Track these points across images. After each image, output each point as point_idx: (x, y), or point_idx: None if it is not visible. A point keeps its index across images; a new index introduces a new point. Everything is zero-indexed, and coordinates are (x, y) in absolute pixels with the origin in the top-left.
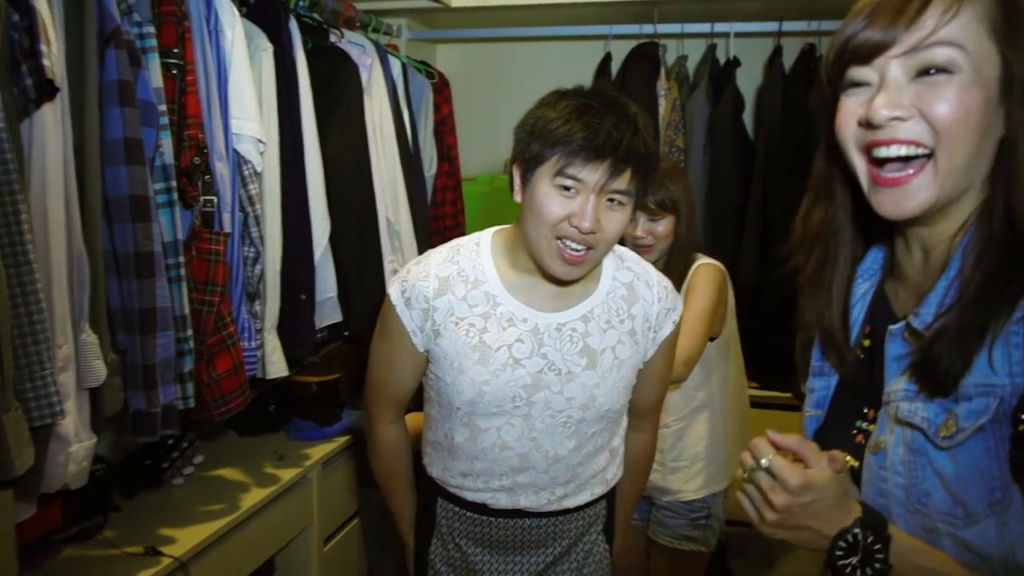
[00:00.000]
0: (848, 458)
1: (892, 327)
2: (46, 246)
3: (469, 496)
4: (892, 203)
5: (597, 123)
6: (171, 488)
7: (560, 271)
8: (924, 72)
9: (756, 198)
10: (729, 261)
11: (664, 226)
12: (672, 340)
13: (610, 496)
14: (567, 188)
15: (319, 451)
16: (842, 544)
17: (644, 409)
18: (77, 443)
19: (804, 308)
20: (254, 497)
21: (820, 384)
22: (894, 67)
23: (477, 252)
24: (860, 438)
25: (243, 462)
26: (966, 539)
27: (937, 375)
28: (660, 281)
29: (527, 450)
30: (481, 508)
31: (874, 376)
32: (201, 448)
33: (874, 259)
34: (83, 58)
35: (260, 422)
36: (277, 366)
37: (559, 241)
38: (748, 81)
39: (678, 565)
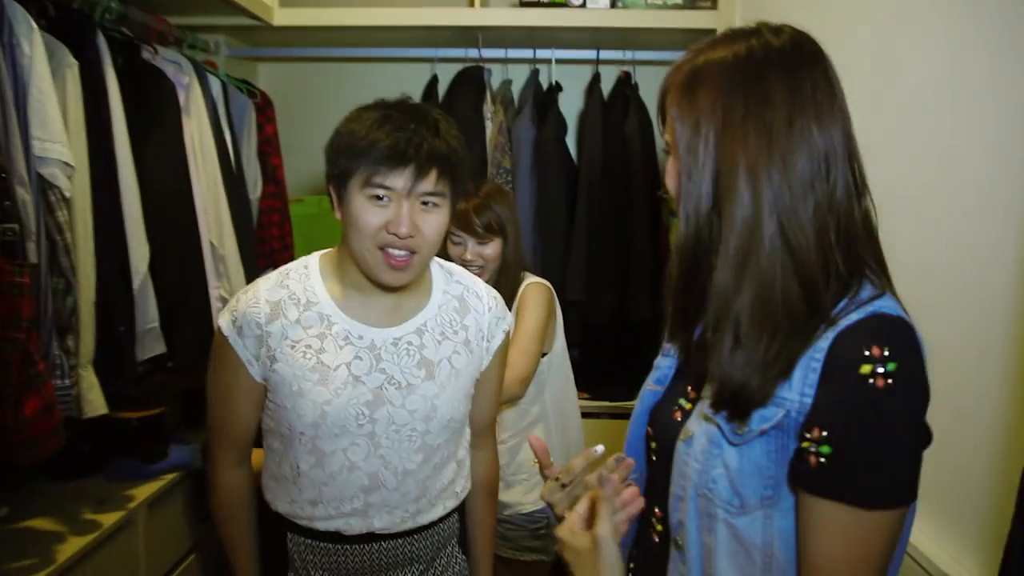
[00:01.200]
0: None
1: (697, 327)
2: None
3: (321, 526)
4: None
5: (397, 131)
6: None
7: (388, 279)
8: None
9: (581, 217)
10: (557, 278)
11: (493, 248)
12: (504, 351)
13: (461, 509)
14: (379, 197)
15: (144, 491)
16: None
17: (480, 427)
18: None
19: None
20: (71, 548)
21: (665, 364)
22: None
23: (306, 274)
24: (678, 414)
25: (57, 511)
26: (737, 526)
27: (735, 404)
28: (488, 292)
29: (376, 468)
30: (335, 536)
31: (702, 363)
32: (5, 499)
33: None
34: None
35: (74, 465)
36: (95, 404)
37: (381, 251)
38: (570, 105)
39: None
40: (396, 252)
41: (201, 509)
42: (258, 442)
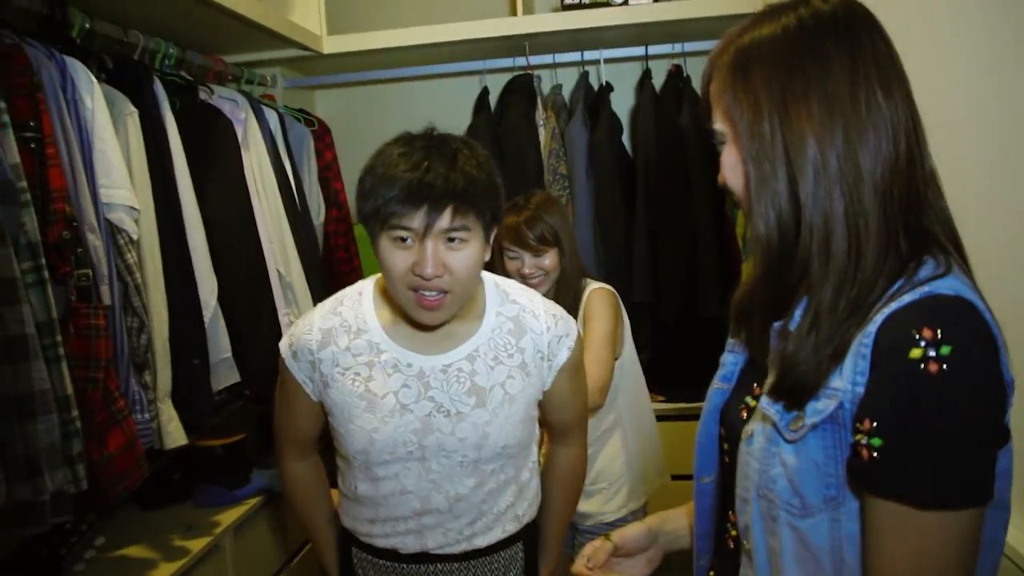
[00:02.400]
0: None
1: (776, 323)
2: None
3: (379, 543)
4: None
5: (411, 170)
6: (72, 575)
7: (424, 318)
8: None
9: (641, 216)
10: (622, 280)
11: (550, 259)
12: (573, 364)
13: (527, 539)
14: (403, 239)
15: (229, 516)
16: None
17: (565, 427)
18: None
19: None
20: (163, 574)
21: (731, 359)
22: None
23: (359, 301)
24: (744, 412)
25: (148, 538)
26: (801, 530)
27: (793, 389)
28: (548, 310)
29: (427, 492)
30: (392, 555)
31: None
32: (101, 529)
33: None
34: None
35: (164, 493)
36: (174, 435)
37: (413, 292)
38: (622, 104)
39: None
40: (427, 293)
41: (285, 532)
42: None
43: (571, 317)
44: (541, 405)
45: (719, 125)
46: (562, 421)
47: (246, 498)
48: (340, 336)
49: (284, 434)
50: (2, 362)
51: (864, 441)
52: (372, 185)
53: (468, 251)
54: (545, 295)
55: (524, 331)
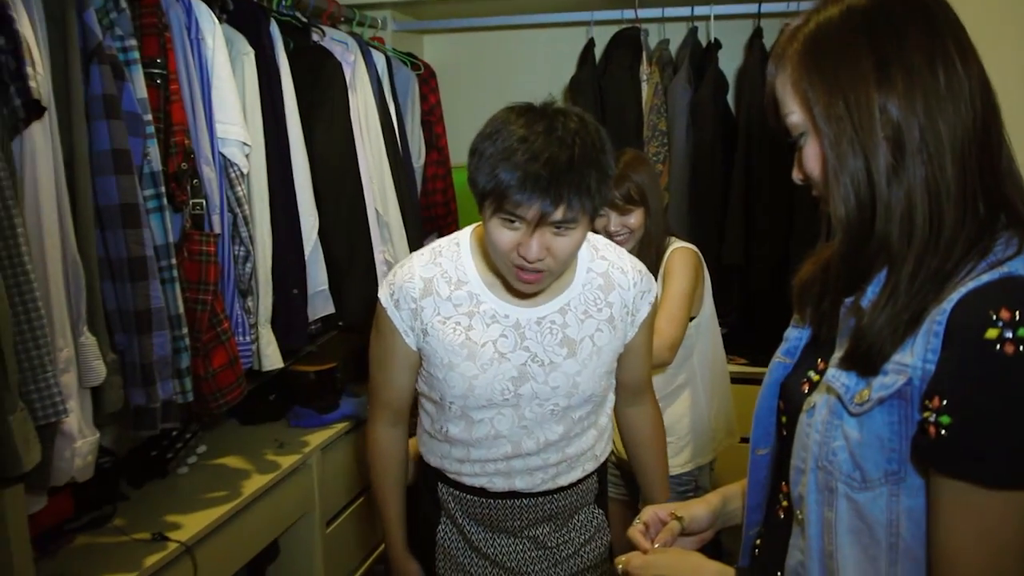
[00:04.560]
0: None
1: (847, 299)
2: (42, 256)
3: (468, 481)
4: None
5: (531, 161)
6: (176, 477)
7: (522, 288)
8: None
9: (739, 179)
10: (715, 242)
11: (636, 218)
12: (650, 320)
13: (600, 470)
14: (512, 220)
15: (318, 437)
16: None
17: (636, 387)
18: (81, 439)
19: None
20: (256, 483)
21: (795, 335)
22: None
23: (458, 253)
24: (806, 386)
25: (245, 450)
26: (859, 502)
27: (868, 355)
28: (635, 266)
29: (519, 438)
30: (480, 492)
31: (832, 335)
32: (204, 438)
33: None
34: (68, 75)
35: (261, 411)
36: (272, 359)
37: (516, 266)
38: (729, 63)
39: None
40: (527, 270)
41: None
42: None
43: (651, 274)
44: (618, 365)
45: (796, 117)
46: (635, 378)
47: (334, 422)
48: (441, 286)
49: (378, 397)
50: (124, 280)
51: (932, 419)
52: (490, 161)
53: (573, 237)
54: (629, 252)
55: (613, 286)
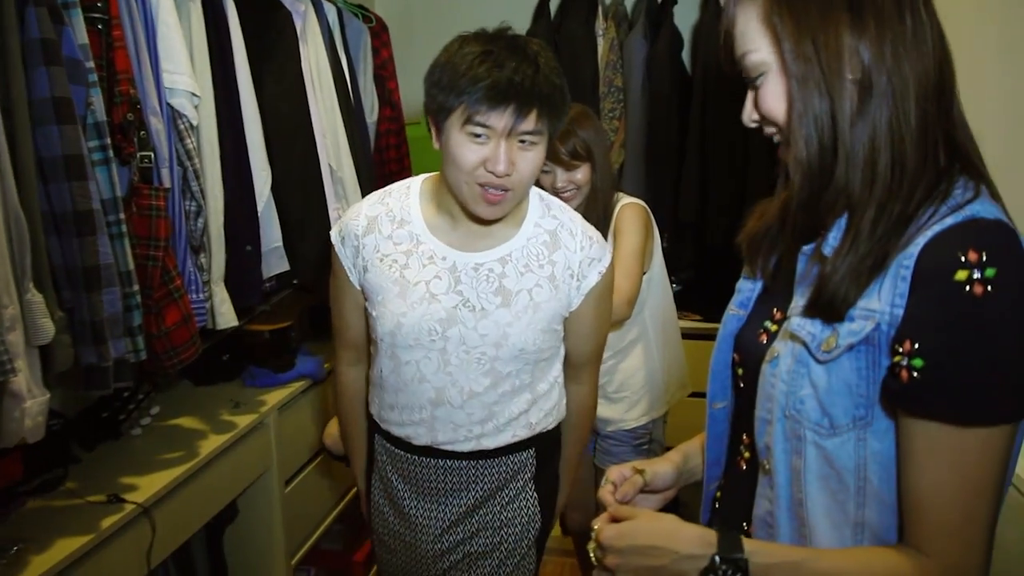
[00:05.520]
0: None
1: (805, 247)
2: None
3: (395, 431)
4: None
5: (498, 69)
6: (130, 439)
7: (484, 212)
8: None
9: (694, 135)
10: (669, 199)
11: (582, 173)
12: (600, 292)
13: (539, 446)
14: (477, 135)
15: (274, 397)
16: None
17: (580, 361)
18: (31, 399)
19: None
20: (212, 444)
21: (747, 287)
22: None
23: (407, 195)
24: (763, 337)
25: (199, 411)
26: (827, 449)
27: (832, 302)
28: (586, 232)
29: (443, 384)
30: (404, 444)
31: (787, 285)
32: (157, 399)
33: None
34: (1, 19)
35: (215, 371)
36: (226, 317)
37: (479, 186)
38: (685, 19)
39: None
40: (493, 189)
41: (326, 416)
42: None
43: (607, 244)
44: (564, 330)
45: (758, 56)
46: (580, 354)
47: (290, 381)
48: (384, 224)
49: (338, 336)
50: (70, 235)
51: (904, 363)
52: (451, 80)
53: (536, 153)
54: (576, 209)
55: (558, 246)
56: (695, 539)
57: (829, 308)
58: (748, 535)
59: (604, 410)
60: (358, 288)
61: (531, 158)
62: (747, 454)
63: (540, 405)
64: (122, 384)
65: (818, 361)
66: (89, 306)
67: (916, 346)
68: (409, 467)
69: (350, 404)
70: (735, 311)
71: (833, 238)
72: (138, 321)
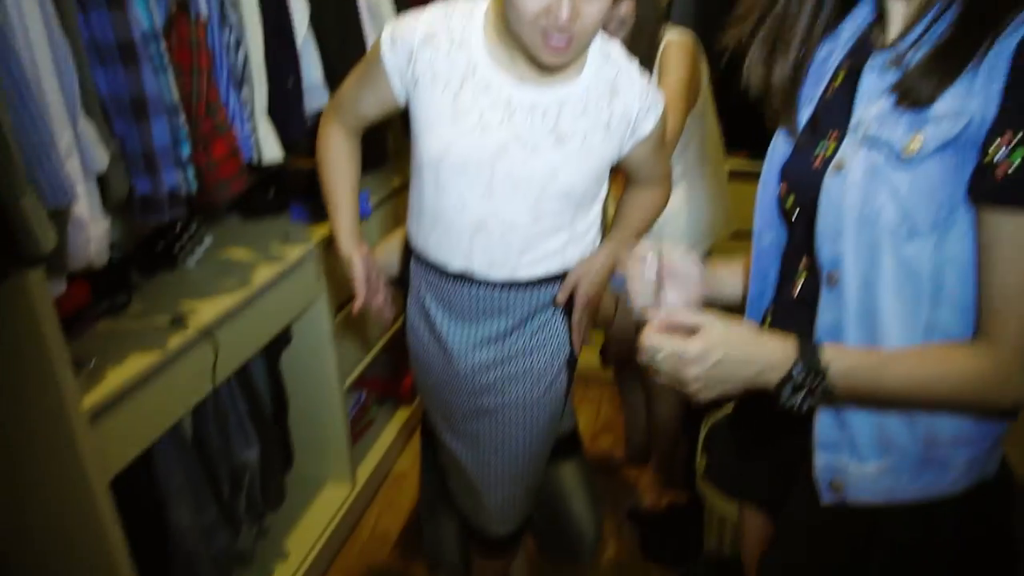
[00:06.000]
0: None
1: (875, 55)
2: (26, 37)
3: (432, 255)
4: None
5: None
6: (185, 270)
7: (546, 60)
8: None
9: None
10: (720, 29)
11: (626, 6)
12: (657, 138)
13: None
14: None
15: (320, 231)
16: (788, 389)
17: (650, 180)
18: (93, 225)
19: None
20: (264, 273)
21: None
22: None
23: (470, 16)
24: (818, 163)
25: (250, 243)
26: (904, 255)
27: (916, 103)
28: (643, 80)
29: (485, 215)
30: (440, 270)
31: (844, 107)
32: (209, 232)
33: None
34: None
35: (262, 207)
36: (272, 150)
37: (542, 34)
38: None
39: None
40: (556, 36)
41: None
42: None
43: (659, 93)
44: (623, 169)
45: None
46: (647, 176)
47: None
48: (442, 41)
49: (340, 103)
50: (115, 64)
51: (1001, 156)
52: None
53: (602, 3)
54: (621, 42)
55: (617, 93)
56: (777, 348)
57: (913, 105)
58: None
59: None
60: (395, 96)
61: (596, 8)
62: (804, 276)
63: (576, 244)
64: (176, 214)
65: (900, 164)
66: (140, 136)
67: (1020, 136)
68: (444, 291)
69: (334, 156)
70: (782, 143)
71: (911, 38)
72: (187, 153)
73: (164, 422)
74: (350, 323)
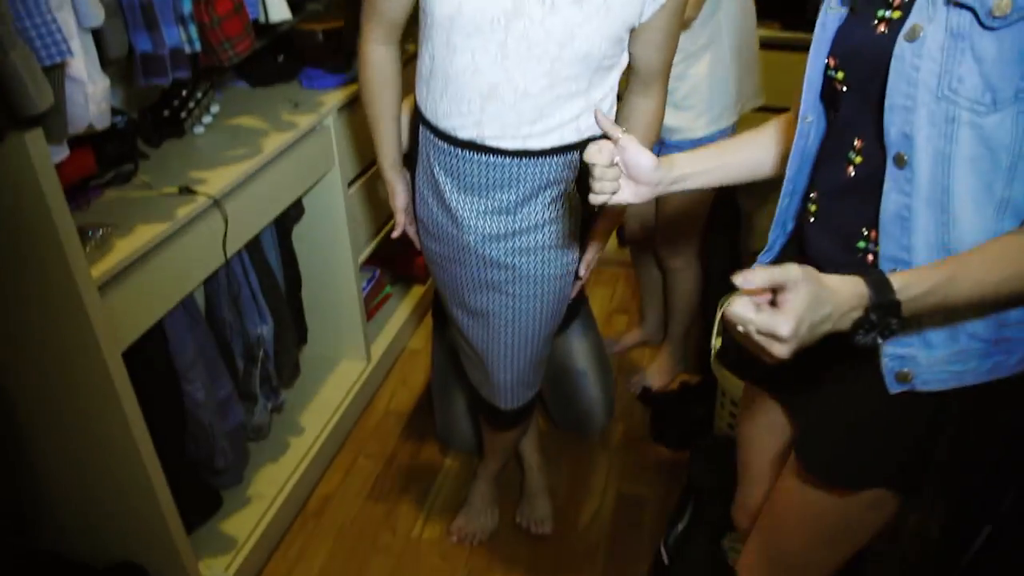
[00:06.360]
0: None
1: None
2: None
3: (442, 123)
4: None
5: None
6: (193, 137)
7: None
8: None
9: None
10: None
11: None
12: (674, 8)
13: (585, 150)
14: None
15: (333, 98)
16: (862, 332)
17: (650, 74)
18: (92, 84)
19: None
20: (274, 142)
21: None
22: None
23: None
24: (882, 27)
25: (259, 111)
26: (983, 127)
27: None
28: None
29: (498, 80)
30: (450, 137)
31: None
32: (216, 99)
33: None
34: None
35: (271, 73)
36: (279, 8)
37: None
38: None
39: (687, 199)
40: None
41: None
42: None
43: None
44: (632, 42)
45: None
46: (649, 64)
47: (347, 83)
48: None
49: (372, 7)
50: None
51: None
52: None
53: None
54: None
55: None
56: (851, 294)
57: None
58: (869, 239)
59: (671, 118)
60: None
61: None
62: (859, 159)
63: (592, 113)
64: (180, 75)
65: (987, 29)
66: None
67: None
68: (452, 161)
69: (379, 89)
70: (837, 9)
71: None
72: (188, 8)
73: (175, 294)
74: (363, 198)
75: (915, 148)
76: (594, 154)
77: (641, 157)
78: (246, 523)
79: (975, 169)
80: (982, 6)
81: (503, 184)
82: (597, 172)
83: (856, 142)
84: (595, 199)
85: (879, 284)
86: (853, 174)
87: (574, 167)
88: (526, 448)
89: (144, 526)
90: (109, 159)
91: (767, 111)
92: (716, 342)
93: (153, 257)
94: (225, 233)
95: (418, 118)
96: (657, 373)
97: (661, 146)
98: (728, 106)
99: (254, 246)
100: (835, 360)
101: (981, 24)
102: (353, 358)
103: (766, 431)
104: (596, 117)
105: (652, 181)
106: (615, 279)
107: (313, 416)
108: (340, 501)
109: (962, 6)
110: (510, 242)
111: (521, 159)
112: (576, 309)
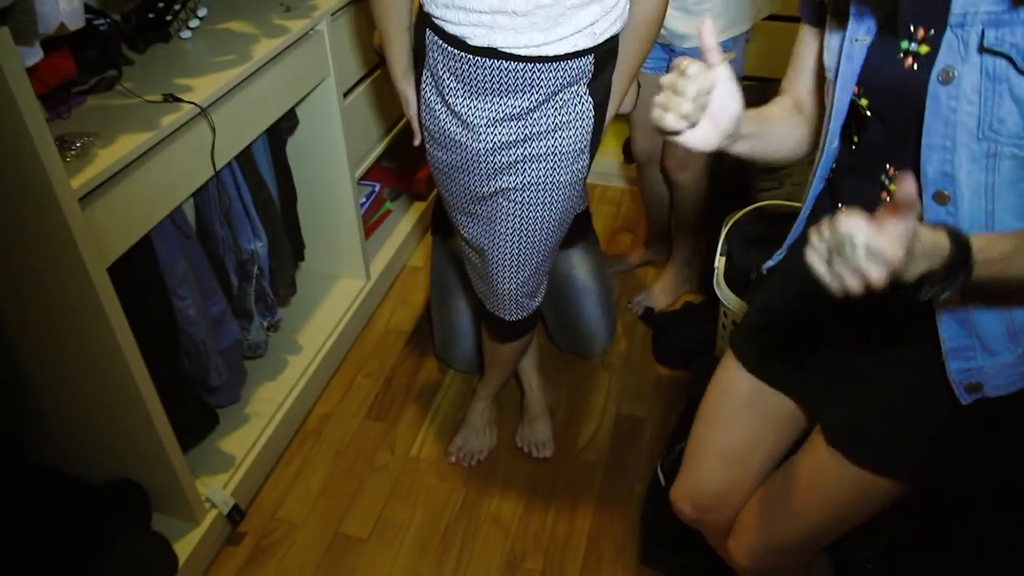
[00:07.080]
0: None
1: None
2: None
3: (450, 29)
4: None
5: None
6: (179, 43)
7: None
8: None
9: None
10: None
11: None
12: None
13: (599, 53)
14: None
15: (326, 2)
16: (928, 284)
17: None
18: None
19: None
20: (265, 48)
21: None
22: None
23: None
24: (910, 61)
25: (249, 15)
26: None
27: None
28: None
29: None
30: (459, 43)
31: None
32: (203, 1)
33: None
34: None
35: None
36: None
37: None
38: None
39: None
40: None
41: None
42: None
43: None
44: None
45: None
46: None
47: None
48: None
49: None
50: None
51: None
52: None
53: None
54: None
55: None
56: (934, 244)
57: None
58: None
59: (681, 24)
60: None
61: None
62: (894, 187)
63: (608, 16)
64: None
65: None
66: None
67: None
68: (462, 65)
69: (391, 2)
70: (862, 39)
71: None
72: None
73: (162, 208)
74: (360, 109)
75: (957, 185)
76: (697, 72)
77: (733, 101)
78: (244, 442)
79: (1014, 190)
80: (1019, 54)
81: (517, 89)
82: (691, 91)
83: (888, 167)
84: (673, 123)
85: (960, 242)
86: (889, 200)
87: (587, 71)
88: (526, 368)
89: (140, 443)
90: (91, 65)
91: (776, 19)
92: (720, 260)
93: (137, 168)
94: (213, 143)
95: (422, 24)
96: (661, 293)
97: (671, 54)
98: (743, 10)
99: (245, 158)
100: (883, 359)
101: (1019, 70)
102: (352, 276)
103: (757, 420)
104: (701, 35)
105: (728, 130)
106: (620, 196)
107: (311, 334)
108: (338, 420)
109: (998, 54)
110: (520, 149)
111: (535, 64)
112: (581, 228)
